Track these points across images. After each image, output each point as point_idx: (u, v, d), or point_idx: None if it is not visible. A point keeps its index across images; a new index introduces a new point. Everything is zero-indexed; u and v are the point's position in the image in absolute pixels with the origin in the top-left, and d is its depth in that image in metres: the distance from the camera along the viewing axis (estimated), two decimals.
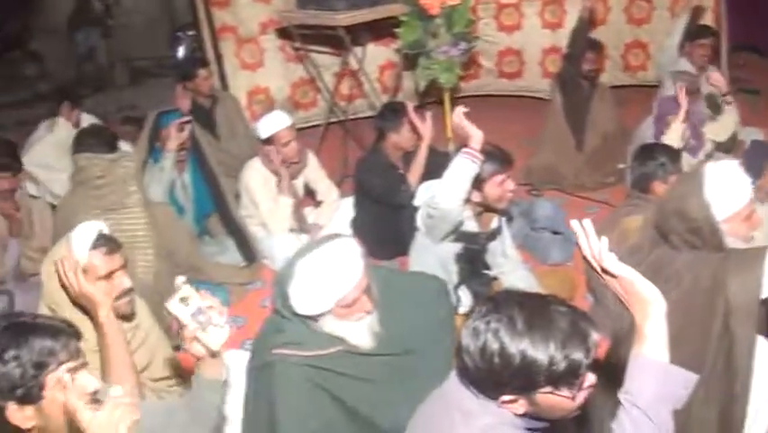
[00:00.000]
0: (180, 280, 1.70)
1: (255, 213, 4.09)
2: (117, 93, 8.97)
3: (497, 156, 2.93)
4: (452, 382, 1.63)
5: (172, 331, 1.73)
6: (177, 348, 2.51)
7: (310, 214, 4.10)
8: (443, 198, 2.77)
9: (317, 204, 4.09)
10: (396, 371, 2.19)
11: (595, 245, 1.53)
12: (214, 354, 1.73)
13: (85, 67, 9.70)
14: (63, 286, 2.27)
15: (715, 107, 4.36)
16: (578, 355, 1.44)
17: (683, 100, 3.76)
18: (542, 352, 1.43)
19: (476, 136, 2.76)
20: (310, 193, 4.06)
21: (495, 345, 1.46)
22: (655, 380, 1.49)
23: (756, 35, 7.10)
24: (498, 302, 1.52)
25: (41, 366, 1.51)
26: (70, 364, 1.54)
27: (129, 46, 9.92)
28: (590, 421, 2.08)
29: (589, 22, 4.99)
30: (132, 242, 3.13)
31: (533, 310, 1.48)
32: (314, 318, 2.08)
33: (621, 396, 1.51)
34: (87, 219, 2.49)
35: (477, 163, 2.75)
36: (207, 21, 5.73)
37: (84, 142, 3.42)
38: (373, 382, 2.15)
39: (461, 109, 2.85)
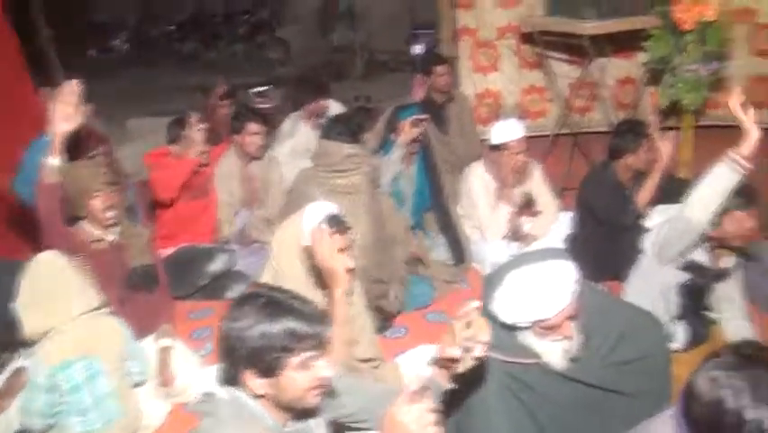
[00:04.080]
0: (474, 303, 1.76)
1: (472, 215, 4.14)
2: (354, 83, 9.44)
3: (742, 190, 2.69)
4: (665, 422, 1.57)
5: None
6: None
7: (526, 223, 4.06)
8: (694, 205, 2.62)
9: (534, 214, 4.04)
10: (592, 402, 2.12)
11: None
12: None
13: (331, 57, 10.33)
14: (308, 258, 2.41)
15: None
16: None
17: None
18: None
19: (750, 137, 2.52)
20: (529, 203, 4.02)
21: (732, 405, 1.39)
22: None
23: None
24: (746, 357, 1.45)
25: (285, 349, 1.60)
26: (314, 353, 1.63)
27: (369, 39, 10.42)
28: None
29: None
30: (353, 225, 3.30)
31: None
32: (511, 329, 2.08)
33: None
34: (318, 198, 2.67)
35: (740, 174, 2.52)
36: (449, 20, 5.86)
37: (333, 128, 3.58)
38: (565, 407, 2.10)
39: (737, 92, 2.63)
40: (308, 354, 1.61)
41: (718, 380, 1.41)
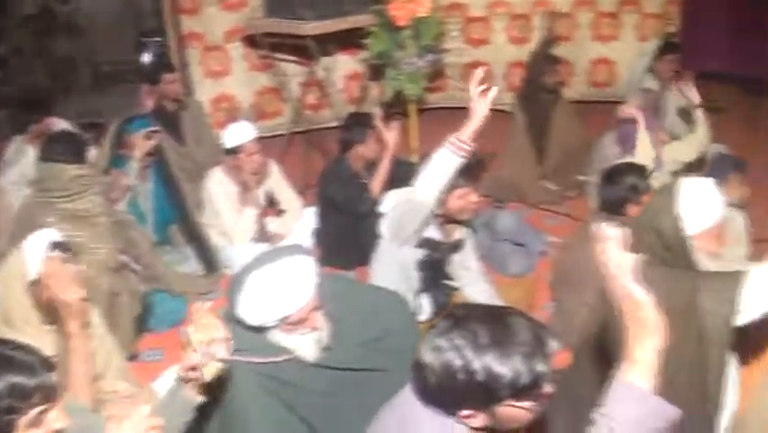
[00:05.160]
0: (205, 305, 1.68)
1: (216, 222, 4.07)
2: (81, 98, 8.83)
3: (466, 168, 2.86)
4: (407, 398, 1.61)
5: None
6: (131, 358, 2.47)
7: (271, 223, 4.09)
8: (420, 188, 2.74)
9: (278, 213, 4.08)
10: (348, 385, 2.18)
11: (617, 255, 1.46)
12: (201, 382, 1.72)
13: (50, 71, 9.55)
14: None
15: (687, 117, 4.44)
16: (541, 367, 1.44)
17: (641, 116, 3.82)
18: (506, 366, 1.42)
19: (473, 120, 2.61)
20: (271, 203, 4.05)
21: (458, 362, 1.44)
22: (637, 407, 1.41)
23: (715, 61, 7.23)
24: (458, 318, 1.50)
25: (12, 411, 1.42)
26: (44, 406, 1.46)
27: (93, 50, 9.80)
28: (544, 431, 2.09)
29: (550, 38, 5.07)
30: (90, 249, 3.09)
31: (495, 324, 1.47)
32: (259, 330, 2.07)
33: (598, 415, 1.44)
34: (46, 226, 2.46)
35: (461, 156, 2.65)
36: (173, 27, 5.70)
37: (52, 150, 3.28)
38: (322, 394, 2.13)
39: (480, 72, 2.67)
40: (37, 409, 1.45)
41: (441, 346, 1.46)
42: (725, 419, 2.15)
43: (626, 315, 1.45)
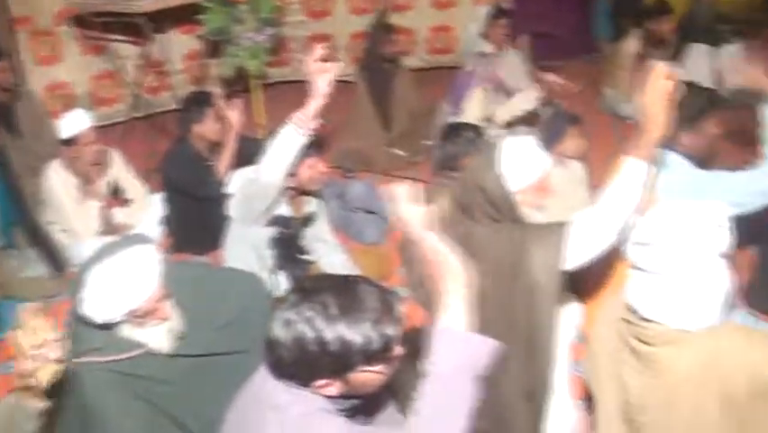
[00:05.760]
0: (27, 307, 1.60)
1: (59, 219, 3.87)
2: None
3: (314, 139, 2.88)
4: (261, 377, 1.62)
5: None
6: None
7: (118, 214, 3.94)
8: (266, 169, 2.73)
9: (124, 203, 3.94)
10: (208, 371, 2.17)
11: (407, 210, 1.54)
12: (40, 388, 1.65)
13: None
14: None
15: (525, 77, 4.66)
16: (390, 330, 1.49)
17: (473, 79, 3.98)
18: (357, 333, 1.46)
19: (315, 97, 2.64)
20: (116, 193, 3.90)
21: (311, 334, 1.45)
22: (456, 349, 1.48)
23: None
24: (306, 290, 1.52)
25: None
26: None
27: None
28: (396, 389, 2.13)
29: (386, 7, 5.15)
30: None
31: (343, 293, 1.50)
32: (108, 326, 2.02)
33: (424, 365, 1.50)
34: None
35: (305, 134, 2.68)
36: (1, 11, 5.29)
37: None
38: (179, 384, 2.12)
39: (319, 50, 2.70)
40: None
41: (291, 320, 1.47)
42: (556, 364, 2.30)
43: (427, 265, 1.53)
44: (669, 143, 2.76)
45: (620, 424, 1.98)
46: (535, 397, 2.31)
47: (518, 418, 2.34)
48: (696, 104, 2.82)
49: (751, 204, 2.61)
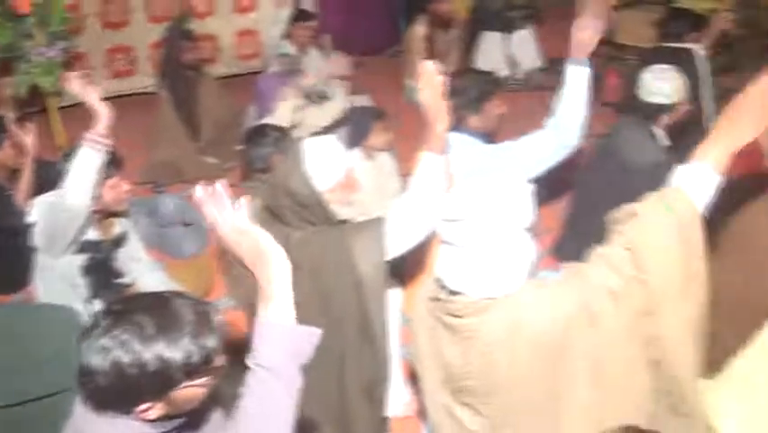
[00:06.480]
0: None
1: None
2: None
3: (110, 159, 2.80)
4: (79, 412, 1.54)
5: None
6: None
7: None
8: (68, 192, 2.62)
9: None
10: (21, 420, 2.04)
11: (221, 207, 1.51)
12: None
13: None
14: None
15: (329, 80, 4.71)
16: (210, 342, 1.47)
17: (277, 82, 4.00)
18: (177, 349, 1.43)
19: (101, 117, 2.63)
20: None
21: (127, 358, 1.41)
22: (281, 340, 1.48)
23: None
24: (118, 313, 1.47)
25: None
26: None
27: None
28: (222, 395, 2.14)
29: (182, 14, 5.03)
30: None
31: (157, 311, 1.46)
32: None
33: (249, 360, 1.50)
34: None
35: (101, 152, 2.63)
36: None
37: None
38: None
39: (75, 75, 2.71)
40: None
41: (104, 346, 1.42)
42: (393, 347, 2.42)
43: (246, 260, 1.52)
44: (458, 126, 3.00)
45: (446, 396, 2.07)
46: (376, 391, 2.38)
47: (360, 415, 2.40)
48: (478, 88, 3.09)
49: (540, 164, 2.84)
